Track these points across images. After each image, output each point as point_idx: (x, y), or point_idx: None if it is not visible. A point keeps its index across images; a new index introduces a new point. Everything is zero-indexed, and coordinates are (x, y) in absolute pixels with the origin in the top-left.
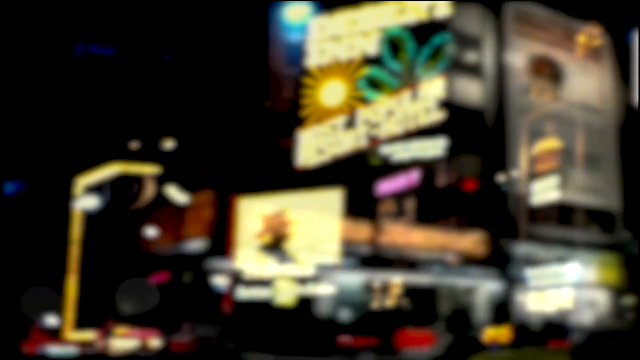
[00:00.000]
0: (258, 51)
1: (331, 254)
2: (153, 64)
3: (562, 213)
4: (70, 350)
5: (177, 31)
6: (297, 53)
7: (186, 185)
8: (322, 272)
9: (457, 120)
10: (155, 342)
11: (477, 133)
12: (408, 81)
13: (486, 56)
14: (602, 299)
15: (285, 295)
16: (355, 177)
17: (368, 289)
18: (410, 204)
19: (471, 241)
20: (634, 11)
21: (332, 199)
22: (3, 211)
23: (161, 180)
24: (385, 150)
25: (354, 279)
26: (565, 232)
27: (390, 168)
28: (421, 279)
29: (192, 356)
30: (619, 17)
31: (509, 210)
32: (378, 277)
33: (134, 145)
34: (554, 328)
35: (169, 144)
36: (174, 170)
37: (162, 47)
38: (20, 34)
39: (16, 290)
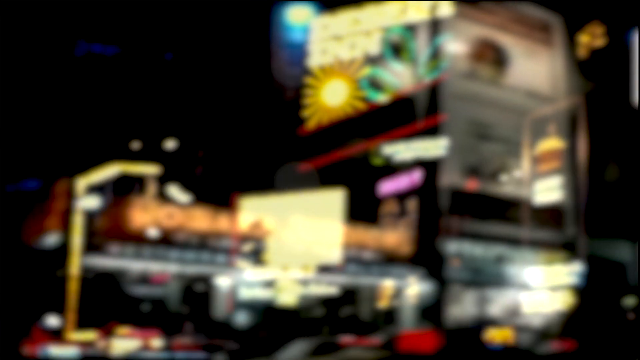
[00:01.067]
0: (260, 51)
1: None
2: (155, 63)
3: (505, 209)
4: (71, 350)
5: (180, 31)
6: (299, 53)
7: (188, 185)
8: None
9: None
10: (156, 342)
11: (408, 119)
12: (410, 81)
13: (421, 39)
14: (551, 301)
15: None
16: (358, 178)
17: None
18: (412, 204)
19: (395, 239)
20: (634, 11)
21: (334, 199)
22: (4, 210)
23: (163, 180)
24: (387, 150)
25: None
26: (510, 229)
27: (392, 168)
28: (336, 279)
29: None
30: (619, 17)
31: (438, 207)
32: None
33: (136, 145)
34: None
35: (170, 144)
36: (176, 170)
37: (165, 47)
38: (21, 34)
39: (17, 290)
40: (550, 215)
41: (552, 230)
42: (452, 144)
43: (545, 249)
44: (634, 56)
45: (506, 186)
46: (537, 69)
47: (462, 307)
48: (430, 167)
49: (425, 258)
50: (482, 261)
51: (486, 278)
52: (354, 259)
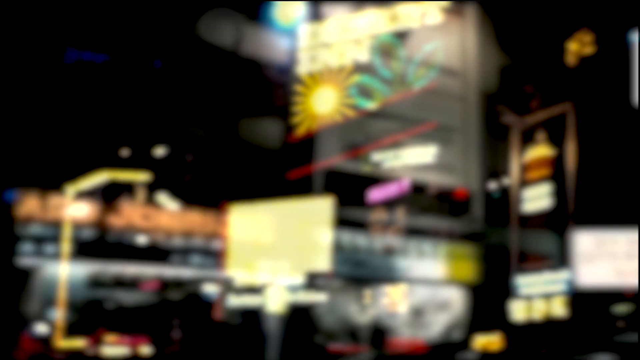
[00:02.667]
0: (249, 58)
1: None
2: (144, 71)
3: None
4: (60, 358)
5: (167, 38)
6: (287, 57)
7: (177, 192)
8: None
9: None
10: (145, 349)
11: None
12: (399, 88)
13: (410, 47)
14: (456, 299)
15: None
16: (346, 185)
17: (97, 282)
18: (401, 212)
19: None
20: (634, 11)
21: (323, 206)
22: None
23: (152, 187)
24: (376, 157)
25: (76, 270)
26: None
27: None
28: (181, 272)
29: None
30: (619, 17)
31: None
32: (112, 269)
33: (125, 152)
34: (378, 333)
35: (160, 151)
36: (165, 177)
37: (153, 54)
38: (10, 41)
39: (5, 297)
40: (453, 203)
41: (455, 219)
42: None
43: (448, 239)
44: (634, 56)
45: (401, 169)
46: (443, 42)
47: (343, 306)
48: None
49: (293, 248)
50: (367, 253)
51: (372, 273)
52: (200, 250)
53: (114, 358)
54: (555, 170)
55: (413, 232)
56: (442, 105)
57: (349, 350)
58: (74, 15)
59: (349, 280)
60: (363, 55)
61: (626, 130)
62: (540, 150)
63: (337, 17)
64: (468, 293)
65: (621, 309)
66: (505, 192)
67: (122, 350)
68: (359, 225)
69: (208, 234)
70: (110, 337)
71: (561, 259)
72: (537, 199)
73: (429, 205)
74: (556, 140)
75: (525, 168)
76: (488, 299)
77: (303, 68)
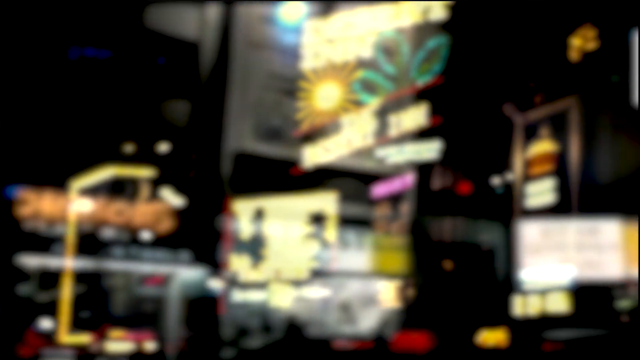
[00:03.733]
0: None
1: None
2: (148, 67)
3: (318, 180)
4: (65, 353)
5: (171, 35)
6: (292, 54)
7: (181, 188)
8: None
9: (170, 53)
10: (150, 345)
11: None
12: (403, 84)
13: (413, 42)
14: (384, 293)
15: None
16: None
17: None
18: (405, 207)
19: (149, 213)
20: (634, 11)
21: (327, 202)
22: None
23: (156, 183)
24: (380, 153)
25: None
26: None
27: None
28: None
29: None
30: (622, 12)
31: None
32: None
33: (129, 148)
34: (294, 330)
35: (164, 147)
36: (170, 173)
37: (157, 50)
38: (15, 38)
39: (10, 293)
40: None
41: (386, 208)
42: (241, 100)
43: (379, 229)
44: (634, 56)
45: (322, 152)
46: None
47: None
48: (423, 170)
49: (196, 238)
50: (283, 244)
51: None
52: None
53: (119, 354)
54: (559, 166)
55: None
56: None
57: (353, 346)
58: (78, 11)
59: None
60: (366, 51)
61: (628, 126)
62: (544, 146)
63: (341, 13)
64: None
65: (624, 304)
66: (508, 187)
67: (126, 345)
68: (277, 213)
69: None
70: (115, 333)
71: (507, 250)
72: (540, 194)
73: (354, 192)
74: (559, 135)
75: (528, 163)
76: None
77: (307, 64)
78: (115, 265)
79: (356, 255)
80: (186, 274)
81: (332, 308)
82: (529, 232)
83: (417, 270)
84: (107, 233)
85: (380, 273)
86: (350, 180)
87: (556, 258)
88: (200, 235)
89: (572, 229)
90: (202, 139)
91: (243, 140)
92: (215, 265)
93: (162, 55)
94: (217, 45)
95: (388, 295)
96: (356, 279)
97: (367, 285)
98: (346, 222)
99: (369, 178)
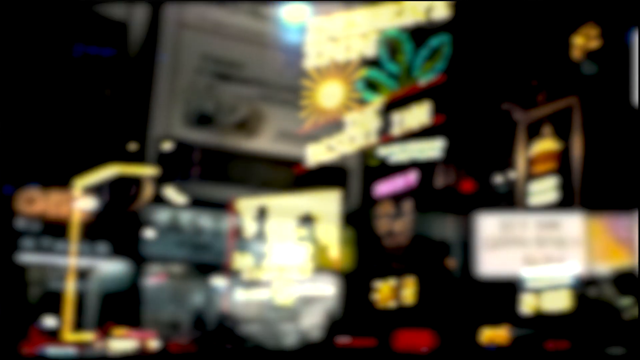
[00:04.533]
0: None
1: None
2: (152, 64)
3: (249, 168)
4: (68, 351)
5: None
6: (295, 55)
7: (185, 186)
8: None
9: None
10: (153, 343)
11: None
12: (406, 83)
13: (416, 41)
14: (328, 289)
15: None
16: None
17: None
18: (407, 205)
19: (64, 202)
20: (634, 11)
21: (330, 199)
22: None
23: (160, 181)
24: (383, 151)
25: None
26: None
27: (389, 169)
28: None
29: (191, 357)
30: (625, 10)
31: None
32: None
33: (133, 146)
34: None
35: (167, 146)
36: (173, 171)
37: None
38: (18, 36)
39: (15, 291)
40: (327, 181)
41: (389, 206)
42: (170, 84)
43: (381, 228)
44: (634, 56)
45: (256, 140)
46: None
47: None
48: (426, 168)
49: (114, 229)
50: (211, 235)
51: (218, 258)
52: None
53: (122, 352)
54: (562, 164)
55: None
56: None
57: (359, 344)
58: (82, 9)
59: (193, 266)
60: (370, 49)
61: (631, 124)
62: (546, 144)
63: (344, 11)
64: (341, 282)
65: (626, 302)
66: (511, 185)
67: (130, 344)
68: (204, 203)
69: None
70: (118, 331)
71: (463, 245)
72: (543, 192)
73: (293, 182)
74: (562, 134)
75: (531, 162)
76: (360, 288)
77: (310, 63)
78: (26, 257)
79: (295, 250)
80: (106, 268)
81: (271, 306)
82: (487, 226)
83: (360, 265)
84: (19, 223)
85: (322, 268)
86: (289, 171)
87: (516, 253)
88: (120, 226)
89: (533, 222)
90: (130, 125)
91: (171, 126)
92: (137, 258)
93: (88, 35)
94: (146, 25)
95: (331, 291)
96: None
97: (309, 281)
98: (286, 214)
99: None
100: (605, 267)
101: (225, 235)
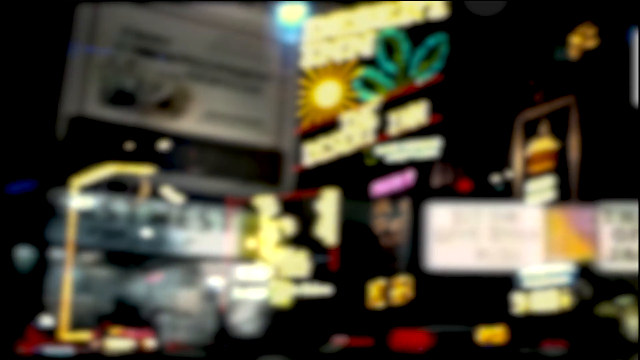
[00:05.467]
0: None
1: None
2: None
3: (175, 151)
4: (65, 350)
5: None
6: (292, 54)
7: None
8: None
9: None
10: (150, 342)
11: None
12: (403, 82)
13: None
14: (261, 279)
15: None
16: (351, 178)
17: None
18: (405, 205)
19: None
20: (634, 11)
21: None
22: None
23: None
24: (380, 150)
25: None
26: (183, 179)
27: (386, 168)
28: None
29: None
30: (622, 9)
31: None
32: None
33: (130, 145)
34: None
35: (164, 145)
36: (170, 171)
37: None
38: (16, 35)
39: (11, 289)
40: (259, 165)
41: (261, 185)
42: (85, 59)
43: (246, 208)
44: (634, 56)
45: (182, 120)
46: None
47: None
48: (423, 167)
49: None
50: (127, 222)
51: (133, 245)
52: None
53: (119, 351)
54: (559, 163)
55: (197, 197)
56: (250, 48)
57: (350, 342)
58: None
59: (106, 254)
60: (367, 48)
61: (629, 124)
62: (543, 144)
63: (341, 11)
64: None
65: (624, 301)
66: (508, 185)
67: (127, 343)
68: (117, 188)
69: None
70: (115, 330)
71: (413, 236)
72: (540, 191)
73: (223, 166)
74: (559, 133)
75: (528, 161)
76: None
77: (307, 62)
78: None
79: (221, 238)
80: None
81: (193, 297)
82: (439, 216)
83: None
84: None
85: (252, 258)
86: (218, 154)
87: (468, 246)
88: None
89: (488, 214)
90: (37, 101)
91: (85, 104)
92: (44, 242)
93: None
94: None
95: (265, 282)
96: (220, 264)
97: (238, 272)
98: (210, 200)
99: (240, 152)
100: (564, 260)
101: (142, 222)
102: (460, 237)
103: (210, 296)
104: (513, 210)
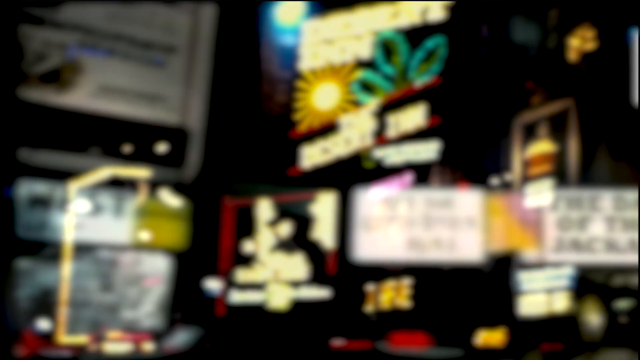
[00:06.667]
0: (250, 53)
1: None
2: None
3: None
4: (63, 354)
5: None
6: (290, 56)
7: (179, 189)
8: None
9: None
10: (148, 345)
11: None
12: (401, 84)
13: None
14: (160, 270)
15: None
16: (348, 180)
17: None
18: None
19: None
20: (634, 11)
21: (326, 201)
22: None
23: (155, 183)
24: (378, 153)
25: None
26: (72, 159)
27: (384, 171)
28: None
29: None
30: (621, 12)
31: None
32: None
33: (127, 148)
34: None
35: (162, 147)
36: (167, 174)
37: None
38: (16, 33)
39: (8, 294)
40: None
41: (158, 166)
42: None
43: (144, 191)
44: (634, 56)
45: (71, 95)
46: None
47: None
48: (421, 170)
49: None
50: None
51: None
52: None
53: (117, 355)
54: (558, 166)
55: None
56: (157, 18)
57: (348, 346)
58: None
59: None
60: (365, 51)
61: (629, 126)
62: (542, 146)
63: (339, 13)
64: (173, 262)
65: (623, 304)
66: (507, 187)
67: (124, 346)
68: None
69: None
70: (112, 334)
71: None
72: (539, 194)
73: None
74: (558, 135)
75: (527, 164)
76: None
77: (305, 64)
78: None
79: (113, 223)
80: None
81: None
82: (366, 203)
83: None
84: None
85: (145, 246)
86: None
87: (399, 234)
88: None
89: (421, 200)
90: None
91: None
92: None
93: None
94: None
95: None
96: (110, 250)
97: (131, 260)
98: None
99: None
100: (503, 250)
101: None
102: (389, 226)
103: (105, 285)
104: (449, 197)
